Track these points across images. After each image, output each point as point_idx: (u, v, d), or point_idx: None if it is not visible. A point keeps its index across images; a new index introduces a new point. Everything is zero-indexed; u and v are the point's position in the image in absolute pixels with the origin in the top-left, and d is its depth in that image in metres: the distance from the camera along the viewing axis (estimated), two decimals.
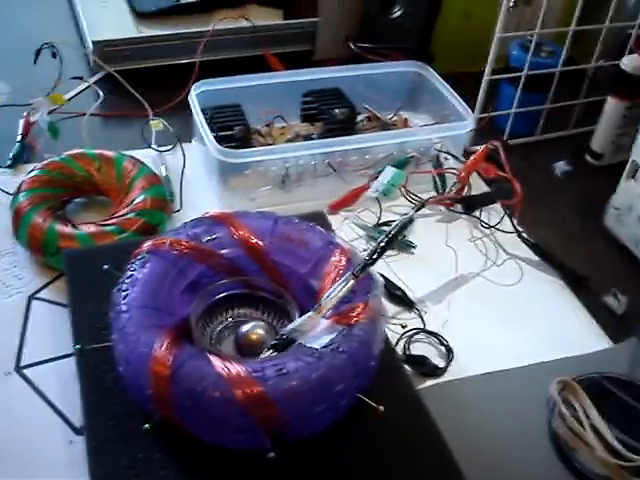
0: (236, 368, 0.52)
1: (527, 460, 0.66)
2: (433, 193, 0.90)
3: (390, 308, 0.77)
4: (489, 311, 0.80)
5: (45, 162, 0.85)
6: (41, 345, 0.71)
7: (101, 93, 1.02)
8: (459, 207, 0.88)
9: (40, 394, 0.67)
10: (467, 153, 0.97)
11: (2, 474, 0.61)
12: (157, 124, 0.96)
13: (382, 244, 0.61)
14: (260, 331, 0.60)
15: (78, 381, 0.61)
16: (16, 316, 0.74)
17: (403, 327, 0.73)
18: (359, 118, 0.98)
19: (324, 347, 0.54)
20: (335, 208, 0.89)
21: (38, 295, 0.77)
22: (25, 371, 0.69)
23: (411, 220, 0.62)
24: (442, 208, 0.90)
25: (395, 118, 1.02)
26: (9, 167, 0.93)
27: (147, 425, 0.54)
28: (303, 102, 0.97)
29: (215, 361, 0.53)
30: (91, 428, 0.58)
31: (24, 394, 0.67)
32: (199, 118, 0.87)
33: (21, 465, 0.62)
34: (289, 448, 0.54)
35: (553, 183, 1.02)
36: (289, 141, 0.94)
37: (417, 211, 0.63)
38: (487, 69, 0.99)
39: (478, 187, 0.93)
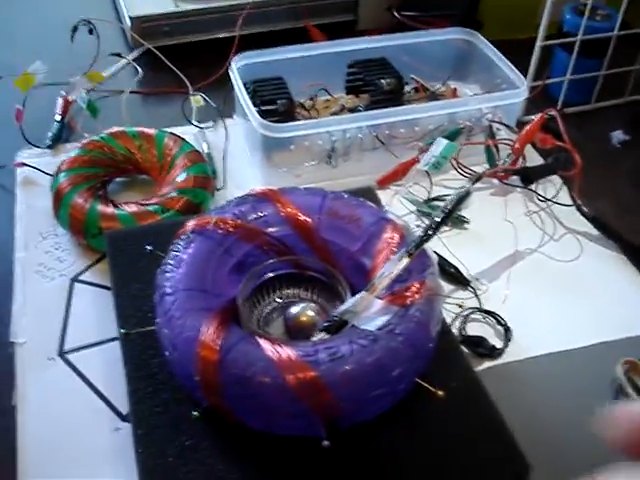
0: (287, 352, 0.49)
1: (590, 443, 0.63)
2: (486, 165, 0.86)
3: (444, 287, 0.74)
4: (548, 288, 0.76)
5: (85, 141, 0.83)
6: (85, 329, 0.69)
7: (140, 70, 1.00)
8: (513, 180, 0.84)
9: (84, 379, 0.65)
10: (520, 123, 0.92)
11: (46, 463, 0.59)
12: (198, 100, 0.94)
13: (438, 219, 0.57)
14: (310, 313, 0.58)
15: (123, 366, 0.59)
16: (58, 300, 0.72)
17: (460, 307, 0.70)
18: (406, 89, 0.94)
19: (379, 329, 0.51)
20: (384, 183, 0.85)
21: (81, 278, 0.75)
22: (68, 356, 0.67)
23: (468, 193, 0.58)
24: (495, 181, 0.86)
25: (443, 88, 0.98)
26: (48, 147, 0.91)
27: (195, 413, 0.52)
28: (348, 73, 0.93)
29: (265, 344, 0.50)
30: (137, 416, 0.55)
31: (68, 380, 0.65)
32: (241, 92, 0.84)
33: (65, 453, 0.60)
34: (342, 434, 0.51)
35: (609, 153, 0.97)
36: (334, 114, 0.91)
37: (474, 184, 0.60)
38: (540, 34, 0.94)
39: (532, 158, 0.89)
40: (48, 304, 0.72)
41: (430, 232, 0.57)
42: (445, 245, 0.76)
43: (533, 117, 0.86)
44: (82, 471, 0.59)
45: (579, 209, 0.83)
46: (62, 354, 0.67)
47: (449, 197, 0.59)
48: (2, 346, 0.68)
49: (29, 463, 0.59)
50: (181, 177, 0.79)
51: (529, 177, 0.79)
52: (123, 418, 0.62)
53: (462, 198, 0.58)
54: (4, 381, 0.65)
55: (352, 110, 0.91)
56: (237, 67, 0.88)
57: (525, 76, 0.93)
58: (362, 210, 0.61)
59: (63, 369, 0.66)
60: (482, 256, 0.78)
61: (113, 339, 0.66)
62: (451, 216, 0.58)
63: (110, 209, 0.75)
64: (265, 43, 0.95)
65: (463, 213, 0.81)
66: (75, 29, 0.97)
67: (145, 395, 0.57)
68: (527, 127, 0.83)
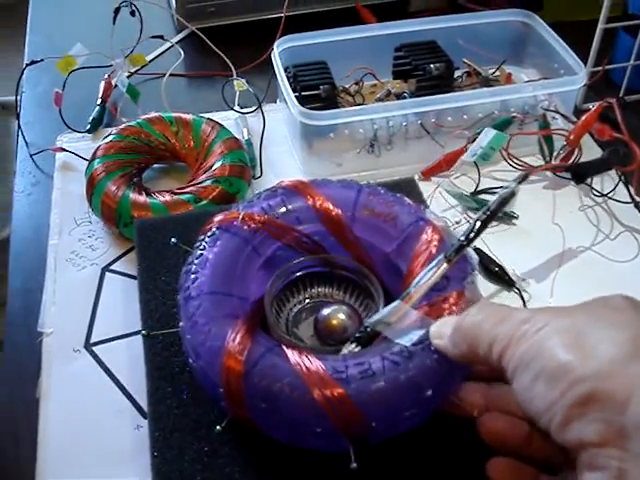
0: (316, 366, 0.46)
1: None
2: (539, 157, 0.81)
3: (487, 287, 0.70)
4: (600, 291, 0.70)
5: (121, 127, 0.81)
6: (113, 320, 0.67)
7: (181, 52, 0.97)
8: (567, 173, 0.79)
9: (109, 373, 0.63)
10: (578, 112, 0.87)
11: (65, 460, 0.58)
12: (240, 84, 0.91)
13: (479, 222, 0.53)
14: (342, 316, 0.54)
15: (144, 364, 0.57)
16: (88, 289, 0.70)
17: None
18: (457, 74, 0.90)
19: (414, 344, 0.48)
20: (428, 174, 0.81)
21: (112, 267, 0.73)
22: (94, 348, 0.65)
23: (513, 194, 0.54)
24: (548, 173, 0.81)
25: (497, 73, 0.93)
26: (88, 132, 0.89)
27: (218, 427, 0.49)
28: (395, 57, 0.89)
29: (292, 357, 0.47)
30: (155, 417, 0.53)
31: (92, 373, 0.63)
32: (281, 77, 0.81)
33: (85, 451, 0.58)
34: (372, 450, 0.48)
35: None
36: (378, 100, 0.87)
37: (520, 183, 0.55)
38: (602, 16, 0.88)
39: (590, 150, 0.83)
40: (78, 293, 0.70)
41: (471, 236, 0.53)
42: (489, 242, 0.72)
43: (592, 105, 0.81)
44: (102, 470, 0.57)
45: (637, 206, 0.77)
46: (88, 346, 0.66)
47: (492, 199, 0.55)
48: (32, 336, 0.67)
49: (48, 460, 0.58)
50: (217, 165, 0.76)
51: (581, 174, 0.73)
52: (145, 416, 0.60)
53: (506, 199, 0.54)
54: (31, 373, 0.64)
55: (398, 96, 0.87)
56: (279, 51, 0.84)
57: (585, 61, 0.87)
58: (399, 208, 0.58)
59: (88, 361, 0.64)
60: (530, 254, 0.73)
61: (140, 332, 0.64)
62: (494, 218, 0.54)
63: (142, 197, 0.73)
64: (314, 24, 0.91)
65: (511, 207, 0.76)
66: (117, 10, 0.94)
67: (165, 395, 0.55)
68: (583, 117, 0.78)
